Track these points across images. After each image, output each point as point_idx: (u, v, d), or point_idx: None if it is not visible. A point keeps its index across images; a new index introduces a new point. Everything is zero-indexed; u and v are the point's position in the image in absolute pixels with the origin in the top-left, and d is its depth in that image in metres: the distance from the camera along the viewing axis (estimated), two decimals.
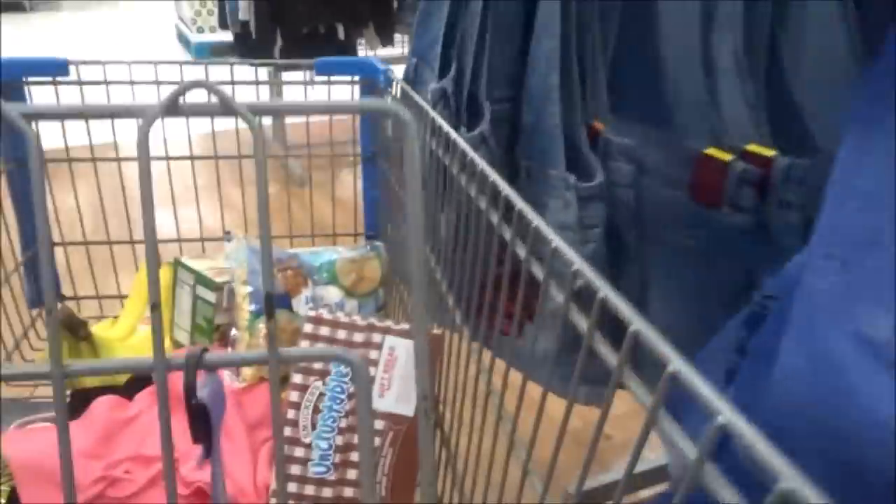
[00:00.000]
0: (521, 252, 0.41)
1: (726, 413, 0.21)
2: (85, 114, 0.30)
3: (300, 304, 0.76)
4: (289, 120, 2.34)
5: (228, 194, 1.03)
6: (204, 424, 0.31)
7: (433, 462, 0.32)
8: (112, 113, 0.30)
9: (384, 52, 2.43)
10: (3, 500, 0.58)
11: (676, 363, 0.23)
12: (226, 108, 0.29)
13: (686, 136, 0.61)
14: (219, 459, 0.35)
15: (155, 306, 0.30)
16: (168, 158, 0.95)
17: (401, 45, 2.57)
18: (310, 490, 0.58)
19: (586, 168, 0.65)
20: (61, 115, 0.30)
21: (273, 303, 0.31)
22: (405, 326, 0.61)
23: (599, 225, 0.64)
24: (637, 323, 0.27)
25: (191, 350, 0.31)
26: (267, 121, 2.38)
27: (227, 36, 2.27)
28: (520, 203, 0.41)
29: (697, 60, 0.59)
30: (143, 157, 0.29)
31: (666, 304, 0.66)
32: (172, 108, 0.29)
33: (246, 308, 0.75)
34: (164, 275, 0.89)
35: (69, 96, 0.85)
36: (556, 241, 0.36)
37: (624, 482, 0.30)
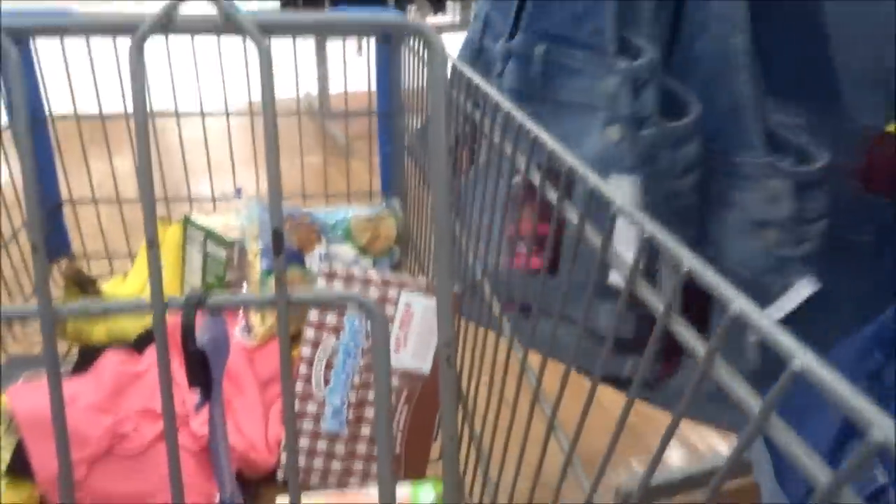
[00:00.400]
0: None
1: (802, 357, 0.18)
2: (73, 29, 0.27)
3: (313, 261, 0.74)
4: (333, 90, 2.33)
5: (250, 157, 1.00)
6: (201, 370, 0.28)
7: (454, 412, 0.30)
8: (103, 28, 0.27)
9: (435, 19, 2.35)
10: (7, 454, 0.57)
11: (739, 302, 0.20)
12: (229, 22, 0.26)
13: (854, 112, 0.51)
14: (220, 407, 0.32)
15: (151, 243, 0.28)
16: (178, 115, 0.92)
17: (452, 13, 2.48)
18: (322, 445, 0.56)
19: (786, 148, 0.52)
20: (48, 30, 0.27)
21: (282, 239, 0.28)
22: (422, 282, 0.58)
23: (824, 217, 0.52)
24: (688, 260, 0.24)
25: (192, 291, 0.29)
26: (313, 90, 2.36)
27: (276, 4, 2.25)
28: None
29: (867, 18, 0.50)
30: (137, 76, 0.26)
31: (833, 315, 0.54)
32: (166, 22, 0.26)
33: (258, 265, 0.73)
34: (174, 233, 0.87)
35: (76, 47, 0.82)
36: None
37: (656, 457, 0.27)
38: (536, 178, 0.39)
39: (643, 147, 0.53)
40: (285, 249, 0.36)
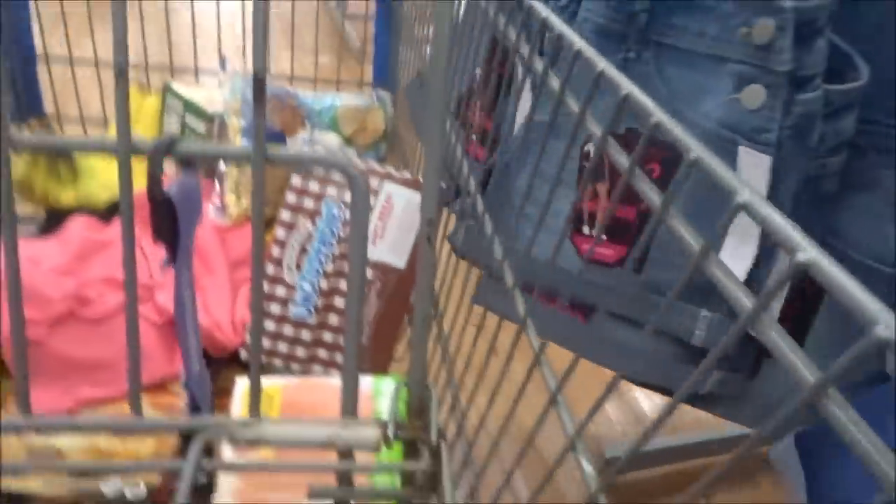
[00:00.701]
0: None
1: (808, 250, 0.17)
2: None
3: (296, 146, 0.71)
4: None
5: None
6: (167, 221, 0.27)
7: (430, 292, 0.29)
8: None
9: None
10: None
11: (745, 194, 0.19)
12: None
13: None
14: (188, 270, 0.31)
15: (121, 72, 0.25)
16: None
17: None
18: (288, 331, 0.55)
19: None
20: None
21: (263, 86, 0.26)
22: (406, 175, 0.56)
23: None
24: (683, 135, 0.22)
25: (161, 137, 0.27)
26: None
27: None
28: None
29: None
30: None
31: None
32: None
33: (238, 143, 0.70)
34: (153, 103, 0.83)
35: None
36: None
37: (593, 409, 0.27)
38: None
39: (798, 115, 0.42)
40: (267, 128, 0.34)
